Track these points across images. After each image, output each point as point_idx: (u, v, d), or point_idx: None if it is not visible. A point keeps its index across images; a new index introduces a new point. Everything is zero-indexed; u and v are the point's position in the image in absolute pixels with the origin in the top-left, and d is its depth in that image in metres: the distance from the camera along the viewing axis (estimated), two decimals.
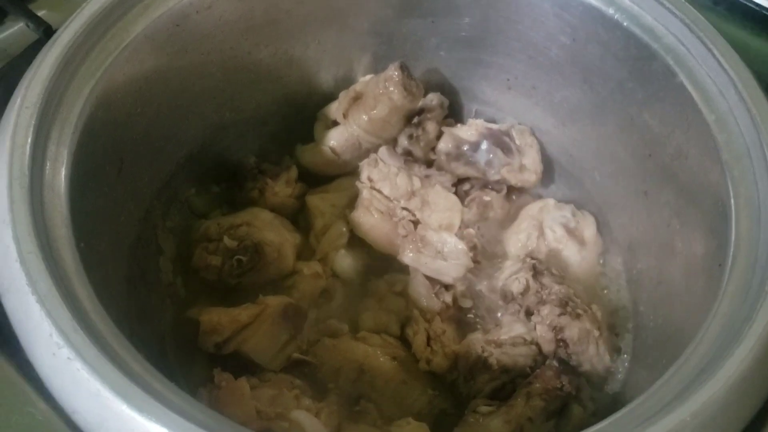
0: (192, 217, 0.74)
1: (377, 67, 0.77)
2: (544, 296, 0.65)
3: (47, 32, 0.91)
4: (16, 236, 0.44)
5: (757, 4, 0.97)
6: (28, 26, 0.92)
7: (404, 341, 0.68)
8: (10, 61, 0.93)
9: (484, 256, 0.73)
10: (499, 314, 0.69)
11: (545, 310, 0.64)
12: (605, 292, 0.71)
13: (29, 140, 0.48)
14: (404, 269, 0.71)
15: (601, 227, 0.73)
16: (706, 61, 0.57)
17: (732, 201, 0.52)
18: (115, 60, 0.57)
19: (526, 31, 0.69)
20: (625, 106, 0.65)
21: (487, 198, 0.76)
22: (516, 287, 0.66)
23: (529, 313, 0.66)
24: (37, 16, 0.93)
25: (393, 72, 0.71)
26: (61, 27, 0.56)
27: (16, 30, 0.96)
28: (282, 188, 0.74)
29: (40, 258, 0.44)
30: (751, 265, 0.48)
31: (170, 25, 0.61)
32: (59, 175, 0.50)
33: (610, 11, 0.62)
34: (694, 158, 0.58)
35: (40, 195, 0.47)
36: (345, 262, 0.71)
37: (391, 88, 0.71)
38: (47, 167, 0.49)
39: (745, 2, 0.98)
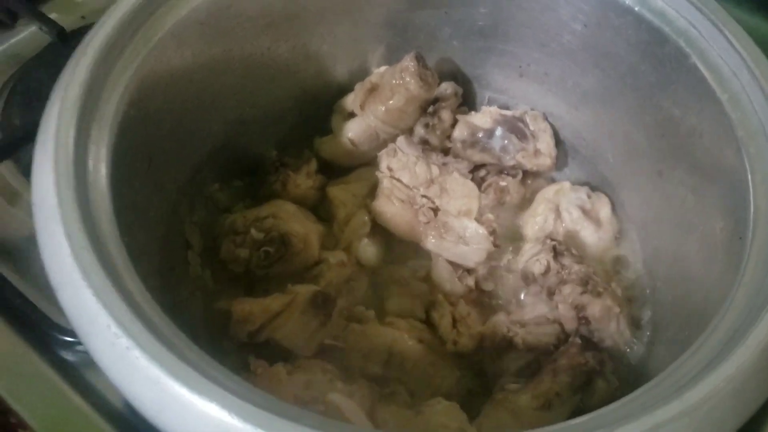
0: (216, 211, 0.75)
1: (391, 58, 0.79)
2: (565, 276, 0.67)
3: (61, 35, 0.92)
4: (68, 233, 0.46)
5: None
6: (41, 29, 0.94)
7: (430, 325, 0.70)
8: (25, 63, 0.95)
9: (503, 239, 0.75)
10: (521, 295, 0.71)
11: (567, 290, 0.66)
12: (622, 270, 0.73)
13: (71, 140, 0.50)
14: (426, 255, 0.73)
15: (616, 207, 0.75)
16: (717, 43, 0.59)
17: (749, 176, 0.54)
18: (144, 59, 0.58)
19: (537, 17, 0.71)
20: (638, 88, 0.67)
21: (503, 183, 0.78)
22: (537, 268, 0.68)
23: (551, 293, 0.68)
24: (50, 18, 0.95)
25: (409, 63, 0.73)
26: (93, 29, 0.57)
27: (28, 34, 0.98)
28: (303, 180, 0.75)
29: (92, 253, 0.45)
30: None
31: (195, 23, 0.63)
32: (100, 172, 0.51)
33: None
34: (709, 137, 0.60)
35: (85, 192, 0.49)
36: (369, 250, 0.73)
37: (408, 79, 0.73)
38: (90, 165, 0.51)
39: None
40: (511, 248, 0.75)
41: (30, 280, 0.74)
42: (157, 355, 0.42)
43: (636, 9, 0.63)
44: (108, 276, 0.45)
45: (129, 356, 0.42)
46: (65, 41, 0.92)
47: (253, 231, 0.70)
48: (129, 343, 0.42)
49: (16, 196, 0.78)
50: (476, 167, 0.79)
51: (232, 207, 0.76)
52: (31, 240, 0.78)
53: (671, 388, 0.43)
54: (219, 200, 0.76)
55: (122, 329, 0.42)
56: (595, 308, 0.65)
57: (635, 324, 0.68)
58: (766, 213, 0.52)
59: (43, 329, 0.70)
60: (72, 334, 0.69)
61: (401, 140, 0.75)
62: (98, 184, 0.51)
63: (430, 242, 0.71)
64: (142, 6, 0.59)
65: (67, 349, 0.69)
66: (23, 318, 0.71)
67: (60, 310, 0.47)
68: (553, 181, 0.80)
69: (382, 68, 0.78)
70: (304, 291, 0.66)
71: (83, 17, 1.01)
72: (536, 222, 0.74)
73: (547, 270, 0.68)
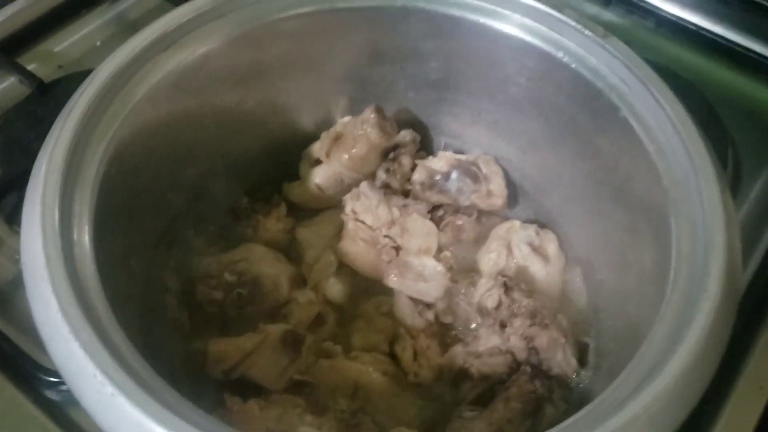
0: (192, 255, 0.80)
1: (354, 109, 0.84)
2: (515, 310, 0.73)
3: (40, 88, 0.97)
4: (56, 290, 0.51)
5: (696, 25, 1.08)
6: (21, 82, 0.99)
7: (393, 357, 0.75)
8: (4, 114, 0.99)
9: (460, 275, 0.80)
10: (474, 327, 0.76)
11: (517, 322, 0.71)
12: (569, 302, 0.79)
13: (57, 202, 0.55)
14: (389, 291, 0.79)
15: (563, 244, 0.80)
16: (644, 98, 0.65)
17: (672, 220, 0.60)
18: (123, 122, 0.63)
19: (484, 72, 0.77)
20: (578, 136, 0.73)
21: (459, 222, 0.84)
22: (490, 303, 0.74)
23: (503, 326, 0.73)
24: (28, 71, 0.99)
25: (369, 115, 0.78)
26: (74, 95, 0.62)
27: (7, 85, 1.02)
28: (273, 224, 0.81)
29: (78, 308, 0.50)
30: (689, 276, 0.56)
31: (169, 86, 0.68)
32: (83, 231, 0.56)
33: (560, 54, 0.70)
34: (640, 183, 0.66)
35: (70, 251, 0.54)
36: (335, 288, 0.78)
37: (368, 129, 0.78)
38: (74, 225, 0.56)
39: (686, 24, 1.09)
40: (468, 282, 0.80)
41: (14, 323, 0.79)
42: (140, 400, 0.47)
43: (573, 66, 0.70)
44: (93, 329, 0.49)
45: (114, 402, 0.47)
46: (44, 92, 0.97)
47: (226, 274, 0.75)
48: (114, 390, 0.47)
49: None
50: (434, 207, 0.85)
51: (207, 251, 0.81)
52: (14, 283, 0.84)
53: (597, 417, 0.48)
54: (194, 245, 0.80)
55: (107, 378, 0.47)
56: (542, 339, 0.70)
57: (581, 353, 0.74)
58: (687, 253, 0.57)
59: (28, 370, 0.75)
60: (56, 374, 0.73)
61: (364, 185, 0.80)
62: (82, 242, 0.55)
63: (392, 280, 0.77)
64: (120, 71, 0.64)
65: (51, 388, 0.74)
66: (8, 359, 0.76)
67: (43, 351, 0.52)
68: (506, 218, 0.86)
69: (346, 118, 0.84)
70: (274, 330, 0.71)
71: (60, 66, 1.06)
72: (490, 258, 0.80)
73: (499, 304, 0.73)
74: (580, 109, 0.72)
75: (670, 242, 0.59)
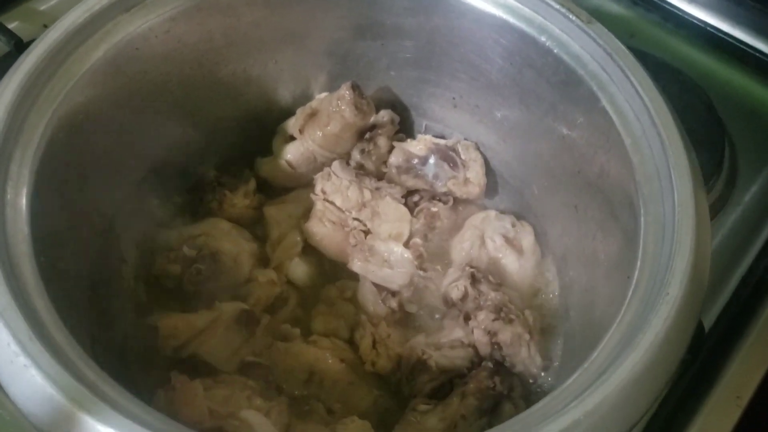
0: (154, 227, 0.77)
1: (333, 85, 0.81)
2: (481, 302, 0.70)
3: (18, 46, 0.94)
4: None
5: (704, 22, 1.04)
6: None
7: (353, 345, 0.72)
8: None
9: (432, 263, 0.78)
10: (435, 317, 0.74)
11: (481, 315, 0.68)
12: (541, 298, 0.75)
13: None
14: (355, 276, 0.76)
15: (539, 237, 0.77)
16: (624, 87, 0.62)
17: (642, 219, 0.56)
18: (76, 83, 0.61)
19: (467, 54, 0.74)
20: (557, 126, 0.70)
21: (434, 209, 0.80)
22: (455, 293, 0.71)
23: (467, 318, 0.70)
24: (8, 29, 0.97)
25: (345, 92, 0.75)
26: (24, 53, 0.60)
27: None
28: (240, 200, 0.78)
29: None
30: (652, 278, 0.53)
31: (130, 48, 0.65)
32: (21, 194, 0.54)
33: (542, 39, 0.67)
34: (615, 177, 0.63)
35: (2, 214, 0.52)
36: (299, 269, 0.76)
37: (343, 107, 0.75)
38: (9, 187, 0.53)
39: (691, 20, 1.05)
40: (439, 269, 0.78)
41: None
42: (54, 374, 0.44)
43: (555, 51, 0.66)
44: (14, 297, 0.47)
45: (26, 374, 0.45)
46: (22, 50, 0.95)
47: (185, 248, 0.72)
48: (27, 361, 0.45)
49: None
50: (410, 193, 0.82)
51: (171, 223, 0.79)
52: None
53: (537, 419, 0.46)
54: (158, 216, 0.78)
55: (21, 348, 0.45)
56: (506, 334, 0.67)
57: (547, 351, 0.71)
58: (652, 254, 0.54)
59: None
60: None
61: (336, 164, 0.77)
62: (17, 205, 0.53)
63: (356, 264, 0.74)
64: (75, 32, 0.61)
65: None
66: None
67: None
68: (484, 207, 0.83)
69: (323, 94, 0.81)
70: (230, 308, 0.69)
71: (45, 26, 1.03)
72: (463, 248, 0.77)
73: (465, 296, 0.70)
74: (560, 98, 0.68)
75: (638, 241, 0.56)
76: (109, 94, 0.65)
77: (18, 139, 0.55)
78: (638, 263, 0.55)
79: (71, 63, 0.61)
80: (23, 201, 0.54)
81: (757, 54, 1.00)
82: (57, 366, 0.45)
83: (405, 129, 0.84)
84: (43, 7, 1.05)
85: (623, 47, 0.63)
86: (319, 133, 0.78)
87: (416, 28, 0.75)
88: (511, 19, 0.69)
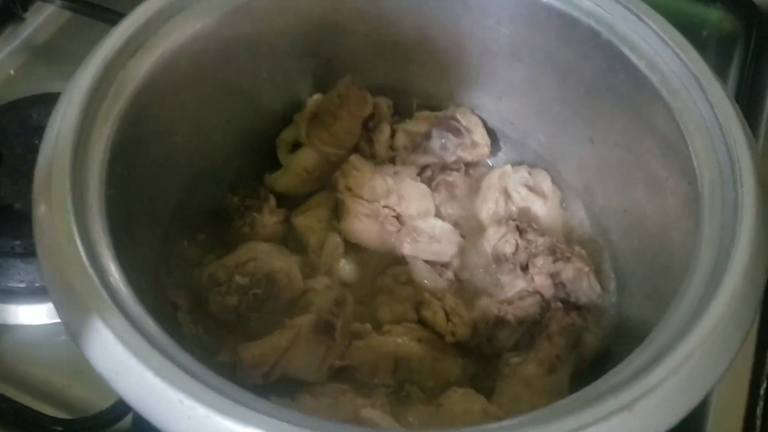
0: (189, 267, 0.76)
1: (319, 86, 0.82)
2: (533, 250, 0.73)
3: None
4: (113, 329, 0.47)
5: None
6: None
7: (422, 323, 0.74)
8: None
9: (462, 229, 0.80)
10: (497, 276, 0.76)
11: (539, 261, 0.72)
12: (574, 232, 0.80)
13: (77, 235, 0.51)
14: (401, 260, 0.77)
15: (555, 178, 0.82)
16: (624, 17, 0.66)
17: (682, 128, 0.61)
18: (108, 140, 0.59)
19: (451, 24, 0.76)
20: (556, 70, 0.73)
21: (450, 178, 0.83)
22: (508, 248, 0.74)
23: (523, 268, 0.74)
24: None
25: (345, 86, 0.76)
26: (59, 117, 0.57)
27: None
28: (268, 218, 0.78)
29: (139, 337, 0.47)
30: (717, 180, 0.56)
31: (145, 102, 0.63)
32: (108, 260, 0.52)
33: None
34: (634, 100, 0.67)
35: (105, 279, 0.50)
36: (348, 268, 0.77)
37: (346, 102, 0.76)
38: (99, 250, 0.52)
39: None
40: (472, 236, 0.80)
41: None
42: (235, 413, 0.44)
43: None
44: (160, 354, 0.46)
45: (210, 423, 0.44)
46: None
47: (237, 277, 0.71)
48: (206, 410, 0.44)
49: None
50: (421, 169, 0.84)
51: (203, 260, 0.77)
52: None
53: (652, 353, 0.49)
54: (189, 256, 0.76)
55: (196, 400, 0.44)
56: (568, 272, 0.71)
57: (600, 275, 0.75)
58: (707, 159, 0.58)
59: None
60: (63, 422, 0.69)
61: (354, 159, 0.78)
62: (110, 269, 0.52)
63: (407, 247, 0.76)
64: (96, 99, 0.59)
65: None
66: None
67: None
68: (490, 167, 0.86)
69: (316, 96, 0.81)
70: (305, 321, 0.69)
71: None
72: (489, 207, 0.80)
73: (516, 248, 0.74)
74: (555, 42, 0.72)
75: (686, 151, 0.60)
76: (131, 143, 0.63)
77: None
78: (696, 170, 0.59)
79: (100, 120, 0.59)
80: (112, 267, 0.52)
81: None
82: (236, 405, 0.44)
83: (398, 111, 0.86)
84: None
85: None
86: (326, 134, 0.79)
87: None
88: None
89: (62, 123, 0.56)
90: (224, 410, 0.44)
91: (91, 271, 0.49)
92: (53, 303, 0.50)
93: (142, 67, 0.63)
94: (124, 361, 0.46)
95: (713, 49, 1.07)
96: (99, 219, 0.54)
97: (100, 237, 0.53)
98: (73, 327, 0.48)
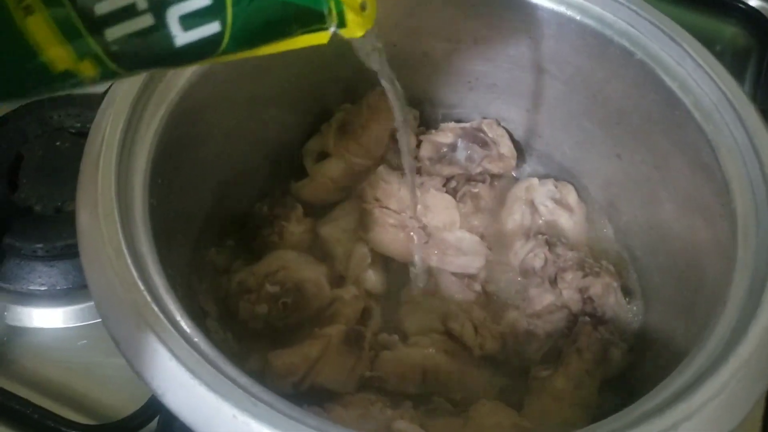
0: (218, 275, 0.76)
1: (348, 96, 0.82)
2: (562, 264, 0.74)
3: None
4: (167, 345, 0.47)
5: None
6: None
7: (449, 335, 0.75)
8: None
9: (489, 242, 0.81)
10: (526, 290, 0.77)
11: (569, 276, 0.73)
12: (601, 246, 0.81)
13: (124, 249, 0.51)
14: (428, 271, 0.78)
15: (580, 192, 0.82)
16: (658, 38, 0.67)
17: (715, 150, 0.62)
18: (150, 149, 0.59)
19: (483, 39, 0.77)
20: (586, 86, 0.74)
21: (475, 190, 0.84)
22: (537, 262, 0.75)
23: (551, 282, 0.74)
24: None
25: (374, 97, 0.77)
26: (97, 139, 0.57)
27: None
28: (296, 227, 0.78)
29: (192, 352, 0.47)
30: (751, 203, 0.57)
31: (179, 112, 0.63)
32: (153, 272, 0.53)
33: (561, 8, 0.71)
34: (665, 120, 0.68)
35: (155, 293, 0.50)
36: (374, 278, 0.77)
37: (377, 112, 0.77)
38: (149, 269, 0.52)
39: None
40: (498, 249, 0.81)
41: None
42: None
43: (578, 18, 0.70)
44: (215, 369, 0.47)
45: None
46: None
47: (267, 286, 0.72)
48: (258, 425, 0.44)
49: None
50: (447, 180, 0.84)
51: (230, 267, 0.78)
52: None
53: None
54: (218, 264, 0.77)
55: (248, 415, 0.45)
56: (597, 287, 0.72)
57: (626, 290, 0.76)
58: (738, 180, 0.59)
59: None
60: (87, 429, 0.70)
61: (381, 170, 0.79)
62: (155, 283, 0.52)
63: (434, 259, 0.76)
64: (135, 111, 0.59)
65: None
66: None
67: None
68: (515, 178, 0.86)
69: (344, 106, 0.82)
70: (335, 331, 0.70)
71: None
72: (515, 219, 0.81)
73: (545, 262, 0.74)
74: (587, 59, 0.73)
75: (716, 174, 0.61)
76: (170, 149, 0.63)
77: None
78: (731, 191, 0.59)
79: (143, 129, 0.59)
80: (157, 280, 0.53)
81: None
82: (285, 418, 0.45)
83: (423, 122, 0.87)
84: None
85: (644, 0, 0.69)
86: (355, 144, 0.79)
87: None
88: None
89: (108, 129, 0.56)
90: (276, 425, 0.44)
91: (142, 286, 0.49)
92: (101, 317, 0.51)
93: (182, 77, 0.63)
94: (177, 376, 0.46)
95: (727, 64, 1.07)
96: (144, 230, 0.55)
97: (145, 249, 0.53)
98: (124, 343, 0.48)
